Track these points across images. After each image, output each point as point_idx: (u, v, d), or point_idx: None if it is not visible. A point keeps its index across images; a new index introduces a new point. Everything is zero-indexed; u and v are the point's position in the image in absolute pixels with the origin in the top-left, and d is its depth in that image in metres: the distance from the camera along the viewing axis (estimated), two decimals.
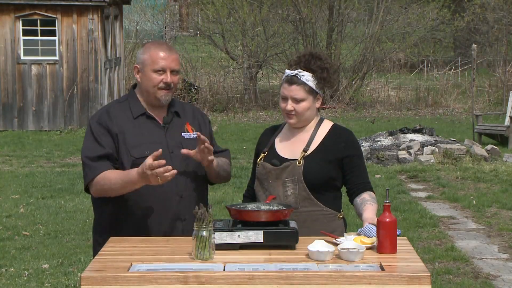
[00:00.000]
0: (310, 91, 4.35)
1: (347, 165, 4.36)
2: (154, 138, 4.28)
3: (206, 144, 4.16)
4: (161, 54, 4.26)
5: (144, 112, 4.33)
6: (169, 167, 4.01)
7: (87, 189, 4.32)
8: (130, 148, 4.24)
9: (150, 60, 4.26)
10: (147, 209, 4.25)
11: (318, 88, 4.37)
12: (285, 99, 4.36)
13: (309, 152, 4.35)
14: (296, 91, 4.33)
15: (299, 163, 4.31)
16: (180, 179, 4.24)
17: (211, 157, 4.22)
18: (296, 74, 4.33)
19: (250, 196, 4.54)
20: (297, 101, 4.34)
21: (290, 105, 4.34)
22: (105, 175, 4.18)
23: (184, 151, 4.19)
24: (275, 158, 4.38)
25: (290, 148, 4.41)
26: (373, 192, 4.39)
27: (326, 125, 4.45)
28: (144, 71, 4.28)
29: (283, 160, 4.36)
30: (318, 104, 4.43)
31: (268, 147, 4.46)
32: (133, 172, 4.11)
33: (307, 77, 4.33)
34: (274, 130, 4.55)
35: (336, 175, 4.36)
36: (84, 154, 4.26)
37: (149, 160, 4.00)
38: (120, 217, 4.28)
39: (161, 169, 3.99)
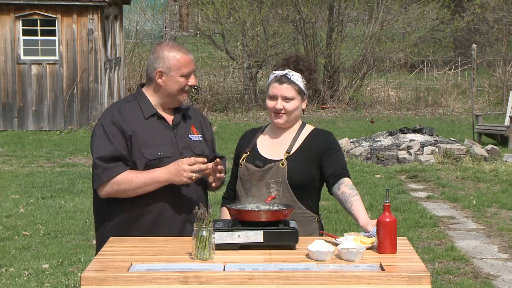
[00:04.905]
0: (299, 91, 4.41)
1: (326, 156, 4.37)
2: (165, 139, 4.29)
3: (219, 175, 4.31)
4: (188, 58, 4.30)
5: (155, 112, 4.34)
6: (210, 164, 4.17)
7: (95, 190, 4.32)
8: (143, 149, 4.23)
9: (178, 64, 4.27)
10: (159, 212, 4.26)
11: (306, 88, 4.41)
12: (275, 98, 4.39)
13: (291, 152, 4.38)
14: (287, 89, 4.38)
15: (282, 164, 4.34)
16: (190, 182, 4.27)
17: (215, 184, 4.35)
18: (286, 74, 4.39)
19: (230, 198, 4.55)
20: (287, 99, 4.38)
21: (280, 104, 4.37)
22: (124, 176, 4.18)
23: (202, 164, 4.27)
24: (257, 159, 4.39)
25: (272, 149, 4.43)
26: (350, 178, 4.36)
27: (308, 128, 4.50)
28: (170, 76, 4.28)
29: (266, 161, 4.38)
30: (304, 105, 4.47)
31: (250, 148, 4.47)
32: (160, 170, 4.16)
33: (296, 77, 4.40)
34: (254, 133, 4.58)
35: (317, 175, 4.38)
36: (97, 155, 4.22)
37: (191, 158, 4.11)
38: (131, 219, 4.27)
39: (204, 166, 4.12)
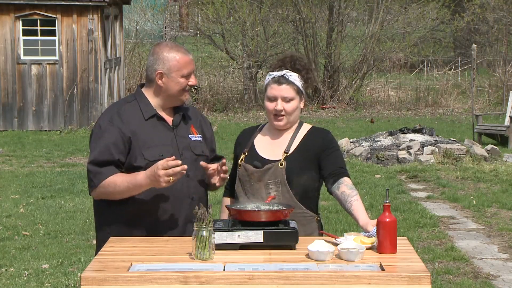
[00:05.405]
0: (298, 91, 4.40)
1: (324, 156, 4.36)
2: (165, 140, 4.28)
3: (223, 175, 4.31)
4: (187, 58, 4.30)
5: (155, 113, 4.33)
6: (185, 166, 4.07)
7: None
8: (143, 150, 4.22)
9: (178, 65, 4.27)
10: (160, 212, 4.25)
11: (303, 88, 4.41)
12: (274, 99, 4.37)
13: (290, 152, 4.37)
14: (286, 90, 4.36)
15: (281, 165, 4.33)
16: (191, 182, 4.27)
17: (219, 184, 4.35)
18: (284, 74, 4.37)
19: (230, 188, 4.54)
20: (287, 100, 4.36)
21: (280, 105, 4.35)
22: (110, 179, 4.17)
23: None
24: (256, 159, 4.38)
25: (271, 149, 4.42)
26: (349, 178, 4.35)
27: (306, 127, 4.49)
28: (171, 77, 4.27)
29: (264, 161, 4.37)
30: (302, 105, 4.45)
31: (248, 148, 4.46)
32: (141, 174, 4.12)
33: (294, 77, 4.38)
34: (252, 131, 4.56)
35: (316, 175, 4.37)
36: (90, 158, 4.23)
37: (162, 160, 4.04)
38: (132, 220, 4.26)
39: (178, 168, 4.03)
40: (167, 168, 4.02)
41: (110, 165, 4.19)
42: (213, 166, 4.26)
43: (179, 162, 4.05)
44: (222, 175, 4.30)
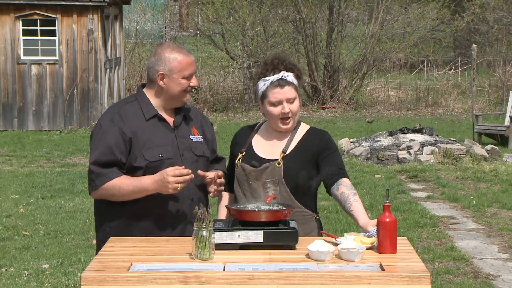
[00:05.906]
0: (297, 90, 4.41)
1: (323, 157, 4.35)
2: (166, 140, 4.28)
3: (218, 188, 4.34)
4: (189, 60, 4.30)
5: (156, 114, 4.33)
6: (193, 175, 4.13)
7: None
8: (144, 151, 4.22)
9: (180, 67, 4.27)
10: (160, 212, 4.26)
11: (299, 86, 4.42)
12: (279, 103, 4.34)
13: (287, 152, 4.36)
14: (289, 91, 4.36)
15: (278, 164, 4.32)
16: (191, 183, 4.26)
17: (213, 195, 4.38)
18: (282, 76, 4.36)
19: (228, 184, 4.51)
20: (291, 101, 4.36)
21: (287, 108, 4.34)
22: (113, 182, 4.17)
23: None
24: (253, 158, 4.38)
25: (268, 148, 4.41)
26: (348, 178, 4.35)
27: (304, 128, 4.48)
28: (172, 78, 4.27)
29: (262, 160, 4.36)
30: (300, 104, 4.46)
31: (245, 147, 4.46)
32: (147, 178, 4.14)
33: (291, 77, 4.38)
34: (249, 131, 4.54)
35: (314, 175, 4.37)
36: (92, 159, 4.22)
37: (172, 168, 4.09)
38: (132, 220, 4.26)
39: (187, 177, 4.09)
40: (178, 176, 4.05)
41: (113, 167, 4.19)
42: (210, 175, 4.27)
43: (189, 171, 4.10)
44: (216, 187, 4.32)
